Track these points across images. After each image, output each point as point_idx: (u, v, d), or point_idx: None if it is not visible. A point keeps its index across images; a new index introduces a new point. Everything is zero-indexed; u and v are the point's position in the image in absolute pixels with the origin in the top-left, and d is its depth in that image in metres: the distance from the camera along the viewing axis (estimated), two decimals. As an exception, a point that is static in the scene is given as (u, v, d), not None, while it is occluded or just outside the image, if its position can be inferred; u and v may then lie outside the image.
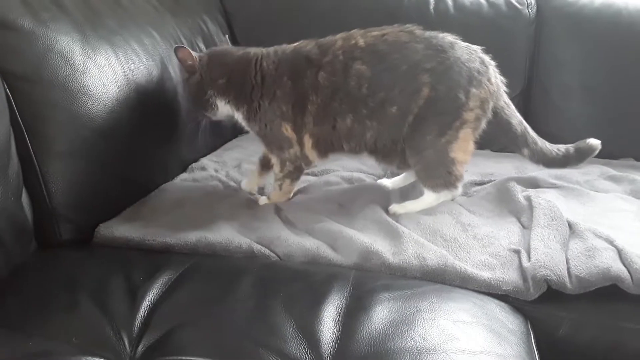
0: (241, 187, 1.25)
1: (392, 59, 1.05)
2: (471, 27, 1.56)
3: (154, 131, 1.21)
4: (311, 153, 1.14)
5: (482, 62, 1.09)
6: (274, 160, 1.16)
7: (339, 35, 1.11)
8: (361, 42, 1.07)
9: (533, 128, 1.58)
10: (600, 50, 1.52)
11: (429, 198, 1.13)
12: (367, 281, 0.85)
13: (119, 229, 1.01)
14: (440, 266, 0.90)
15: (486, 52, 1.51)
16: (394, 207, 1.12)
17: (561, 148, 1.19)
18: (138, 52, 1.19)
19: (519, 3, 1.59)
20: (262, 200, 1.18)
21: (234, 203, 1.16)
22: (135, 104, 1.13)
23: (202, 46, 1.49)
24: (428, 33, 1.09)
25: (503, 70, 1.55)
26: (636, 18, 1.50)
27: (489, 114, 1.11)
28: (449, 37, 1.09)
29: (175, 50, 1.14)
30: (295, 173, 1.17)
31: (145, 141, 1.18)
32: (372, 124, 1.08)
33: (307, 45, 1.12)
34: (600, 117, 1.52)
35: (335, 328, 0.73)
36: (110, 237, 1.00)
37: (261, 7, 1.71)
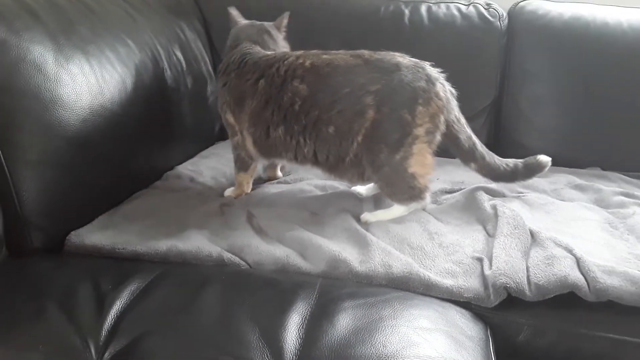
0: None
1: (334, 82, 1.11)
2: (445, 38, 1.61)
3: (128, 140, 1.21)
4: (252, 150, 1.22)
5: (429, 80, 1.11)
6: None
7: (297, 52, 1.17)
8: (308, 62, 1.13)
9: (504, 138, 1.63)
10: (569, 61, 1.56)
11: (399, 210, 1.15)
12: (333, 289, 0.87)
13: (90, 237, 1.02)
14: (405, 274, 0.93)
15: (458, 62, 1.56)
16: (366, 216, 1.14)
17: (510, 163, 1.22)
18: (112, 60, 1.20)
19: (491, 15, 1.62)
20: (227, 192, 1.27)
21: (207, 211, 1.17)
22: (108, 113, 1.14)
23: (179, 54, 1.50)
24: (376, 55, 1.13)
25: (474, 81, 1.60)
26: (602, 30, 1.54)
27: (442, 127, 1.14)
28: (396, 58, 1.13)
29: None
30: (239, 162, 1.25)
31: (119, 150, 1.18)
32: (307, 141, 1.13)
33: (271, 54, 1.21)
34: (569, 127, 1.56)
35: (299, 336, 0.75)
36: (81, 245, 1.01)
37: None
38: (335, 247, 0.99)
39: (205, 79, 1.64)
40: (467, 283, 0.92)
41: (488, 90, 1.61)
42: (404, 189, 1.12)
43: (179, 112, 1.46)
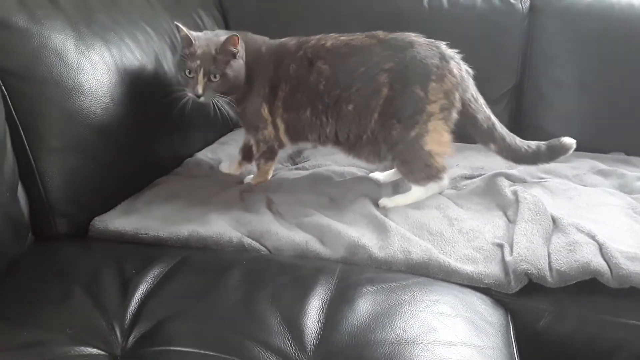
0: (220, 169, 1.34)
1: (351, 61, 1.13)
2: (465, 22, 1.58)
3: (148, 127, 1.23)
4: (284, 137, 1.23)
5: (442, 57, 1.12)
6: (252, 141, 1.27)
7: (317, 36, 1.19)
8: (329, 44, 1.16)
9: (525, 122, 1.61)
10: (591, 45, 1.52)
11: (416, 192, 1.15)
12: (353, 274, 0.87)
13: (113, 223, 1.04)
14: (424, 260, 0.93)
15: (479, 46, 1.53)
16: (384, 201, 1.14)
17: (532, 145, 1.20)
18: (132, 48, 1.21)
19: (512, -2, 1.59)
20: (247, 179, 1.28)
21: (227, 198, 1.18)
22: (129, 100, 1.15)
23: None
24: (391, 35, 1.15)
25: (495, 64, 1.58)
26: (627, 13, 1.50)
27: (458, 104, 1.14)
28: (410, 37, 1.14)
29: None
30: (268, 153, 1.25)
31: (140, 137, 1.20)
32: (329, 119, 1.15)
33: (291, 40, 1.21)
34: (591, 112, 1.53)
35: (319, 320, 0.76)
36: (105, 231, 1.03)
37: (257, 2, 1.72)
38: (355, 233, 0.99)
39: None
40: (488, 269, 0.92)
41: (509, 74, 1.59)
42: (420, 167, 1.13)
43: (193, 102, 1.46)
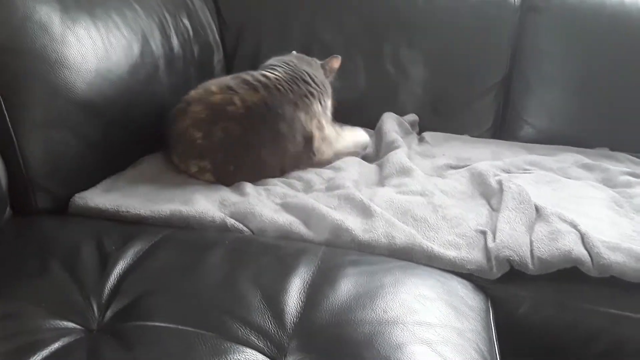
0: None
1: None
2: (457, 13, 1.58)
3: (134, 105, 1.20)
4: None
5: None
6: None
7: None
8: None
9: (512, 116, 1.62)
10: (582, 40, 1.53)
11: None
12: (336, 256, 0.87)
13: (94, 200, 1.02)
14: (407, 245, 0.93)
15: (471, 38, 1.55)
16: None
17: None
18: (119, 24, 1.19)
19: (505, -9, 1.59)
20: None
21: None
22: (115, 77, 1.13)
23: (185, 21, 1.49)
24: None
25: (486, 57, 1.58)
26: (618, 10, 1.51)
27: None
28: None
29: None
30: None
31: (125, 114, 1.17)
32: None
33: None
34: (578, 107, 1.54)
35: (300, 299, 0.76)
36: (85, 207, 1.01)
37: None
38: (339, 216, 0.98)
39: (212, 48, 1.62)
40: (470, 255, 0.92)
41: (499, 67, 1.58)
42: None
43: (186, 80, 1.44)
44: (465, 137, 1.57)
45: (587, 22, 1.53)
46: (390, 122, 1.48)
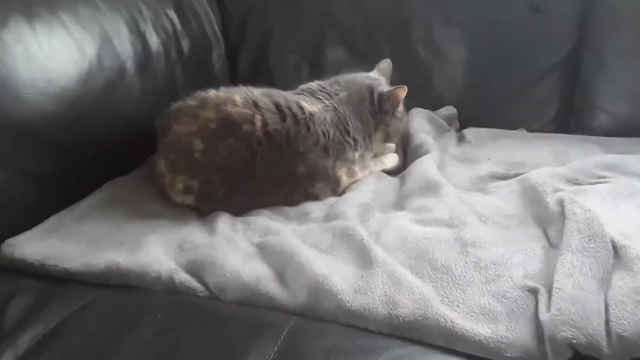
0: None
1: None
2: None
3: (87, 120, 1.00)
4: None
5: None
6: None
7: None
8: None
9: (582, 101, 1.30)
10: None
11: None
12: (305, 339, 0.60)
13: (22, 249, 0.81)
14: (416, 318, 0.64)
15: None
16: None
17: None
18: (67, 24, 0.99)
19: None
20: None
21: (182, 209, 0.94)
22: (57, 89, 0.94)
23: (171, 12, 1.28)
24: None
25: (542, 29, 1.26)
26: None
27: None
28: None
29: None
30: None
31: (75, 133, 0.97)
32: None
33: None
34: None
35: None
36: (9, 259, 0.80)
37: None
38: (323, 270, 0.71)
39: (210, 41, 1.41)
40: (513, 332, 0.61)
41: (562, 41, 1.27)
42: None
43: (169, 82, 1.22)
44: (520, 132, 1.27)
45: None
46: (417, 120, 1.20)
